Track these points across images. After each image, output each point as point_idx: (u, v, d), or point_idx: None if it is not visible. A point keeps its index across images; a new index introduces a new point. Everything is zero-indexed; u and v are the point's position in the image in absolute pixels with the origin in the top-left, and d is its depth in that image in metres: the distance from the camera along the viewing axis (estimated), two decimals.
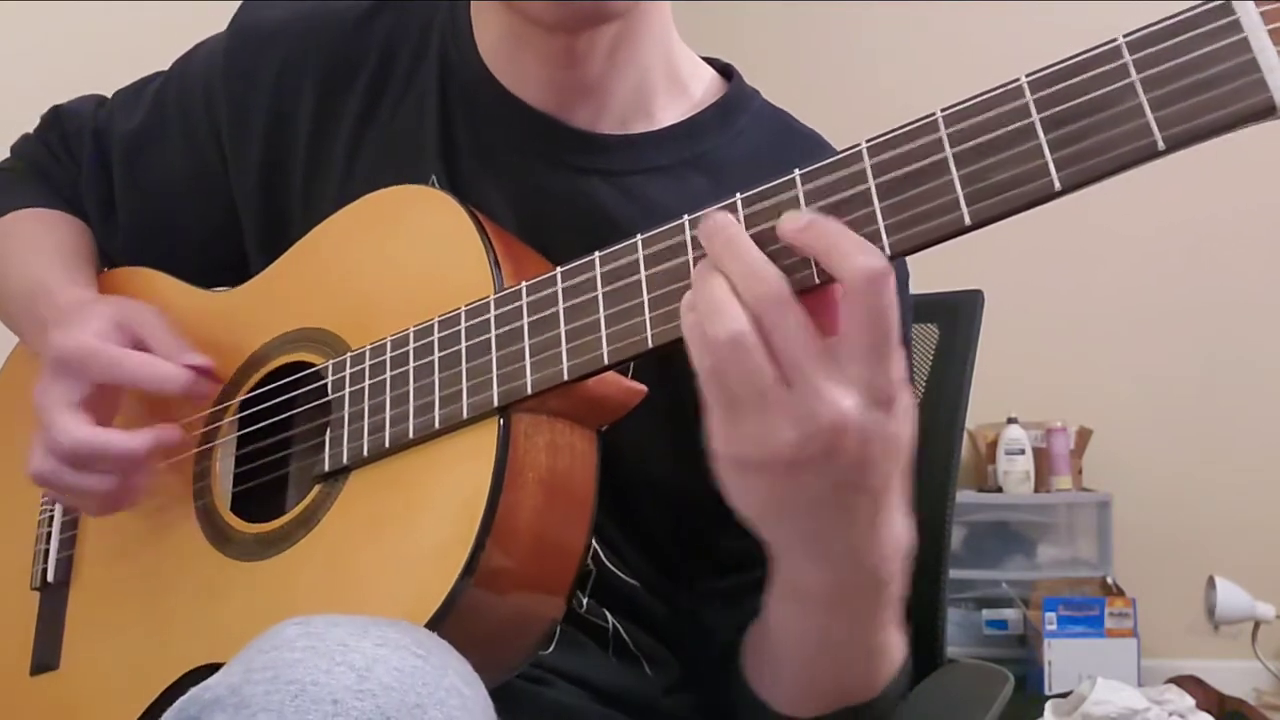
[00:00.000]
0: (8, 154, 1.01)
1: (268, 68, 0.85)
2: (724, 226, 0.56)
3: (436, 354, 0.67)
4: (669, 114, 0.81)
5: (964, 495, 2.82)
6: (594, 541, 0.77)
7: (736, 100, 0.83)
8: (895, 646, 0.69)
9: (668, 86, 0.82)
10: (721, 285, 0.54)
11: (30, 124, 1.01)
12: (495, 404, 0.63)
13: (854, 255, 0.52)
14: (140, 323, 0.77)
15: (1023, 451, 2.87)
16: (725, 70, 0.87)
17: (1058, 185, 0.50)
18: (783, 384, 0.53)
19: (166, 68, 0.95)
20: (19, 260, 0.89)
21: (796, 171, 0.56)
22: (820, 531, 0.58)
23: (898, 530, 0.60)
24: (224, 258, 0.89)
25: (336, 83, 0.84)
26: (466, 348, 0.65)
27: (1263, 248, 2.87)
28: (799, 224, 0.54)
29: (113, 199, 0.94)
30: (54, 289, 0.84)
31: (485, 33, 0.81)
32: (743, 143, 0.81)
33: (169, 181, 0.91)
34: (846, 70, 3.04)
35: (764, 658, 0.72)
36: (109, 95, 0.99)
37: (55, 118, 0.99)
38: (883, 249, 0.53)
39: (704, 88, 0.84)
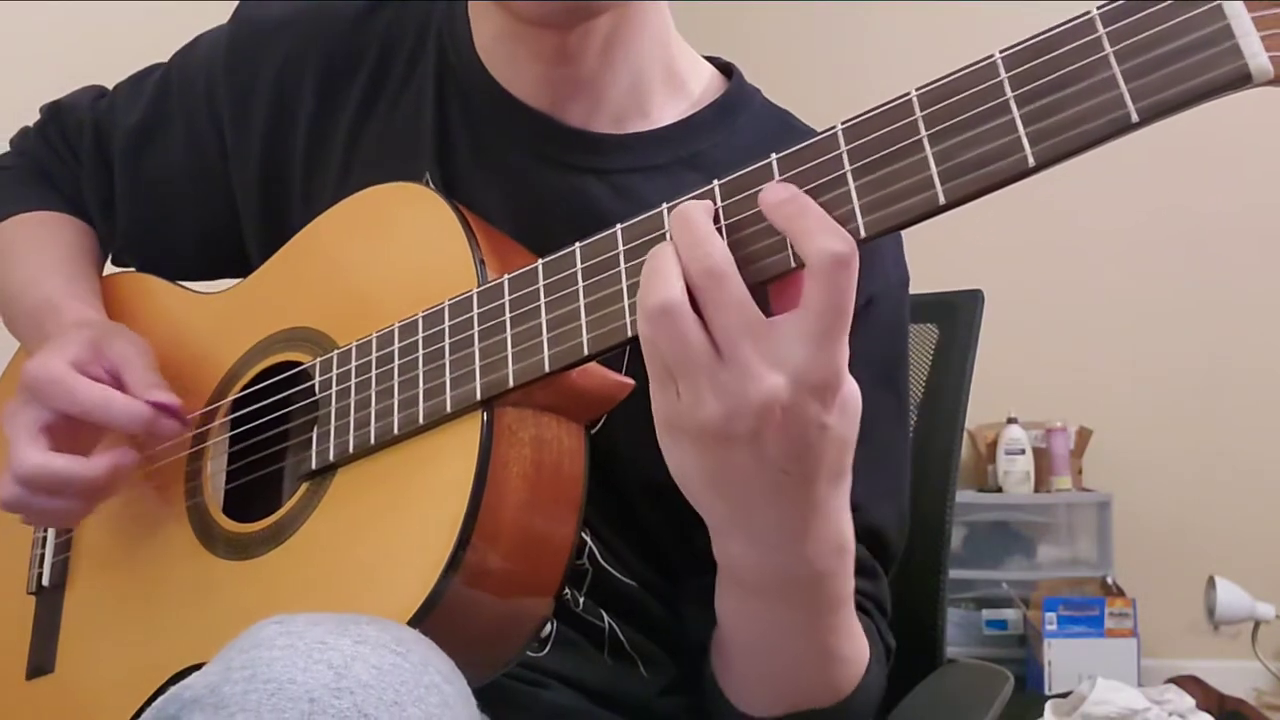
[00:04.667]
0: (7, 147, 1.01)
1: (269, 63, 0.86)
2: (688, 204, 0.56)
3: (421, 350, 0.66)
4: (667, 112, 0.81)
5: (964, 495, 2.82)
6: (590, 541, 0.76)
7: (736, 99, 0.83)
8: (854, 657, 0.69)
9: (665, 85, 0.82)
10: (668, 253, 0.55)
11: (29, 117, 1.00)
12: (479, 397, 0.63)
13: (819, 235, 0.52)
14: (118, 353, 0.76)
15: (1023, 451, 2.87)
16: (726, 68, 0.86)
17: (1031, 161, 0.49)
18: (715, 357, 0.53)
19: (165, 60, 0.95)
20: (25, 270, 0.89)
21: (773, 156, 0.56)
22: (748, 509, 0.58)
23: (834, 525, 0.60)
24: (225, 253, 0.89)
25: (336, 79, 0.84)
26: (450, 343, 0.65)
27: (1263, 247, 2.87)
28: (779, 197, 0.54)
29: (113, 195, 0.94)
30: (60, 305, 0.84)
31: (482, 31, 0.81)
32: (740, 141, 0.81)
33: (170, 176, 0.91)
34: (847, 68, 3.04)
35: (720, 650, 0.72)
36: (107, 87, 0.98)
37: (54, 112, 0.98)
38: (857, 229, 0.53)
39: (704, 86, 0.84)
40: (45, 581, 0.83)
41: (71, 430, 0.75)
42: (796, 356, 0.52)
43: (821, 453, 0.55)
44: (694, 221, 0.55)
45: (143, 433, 0.74)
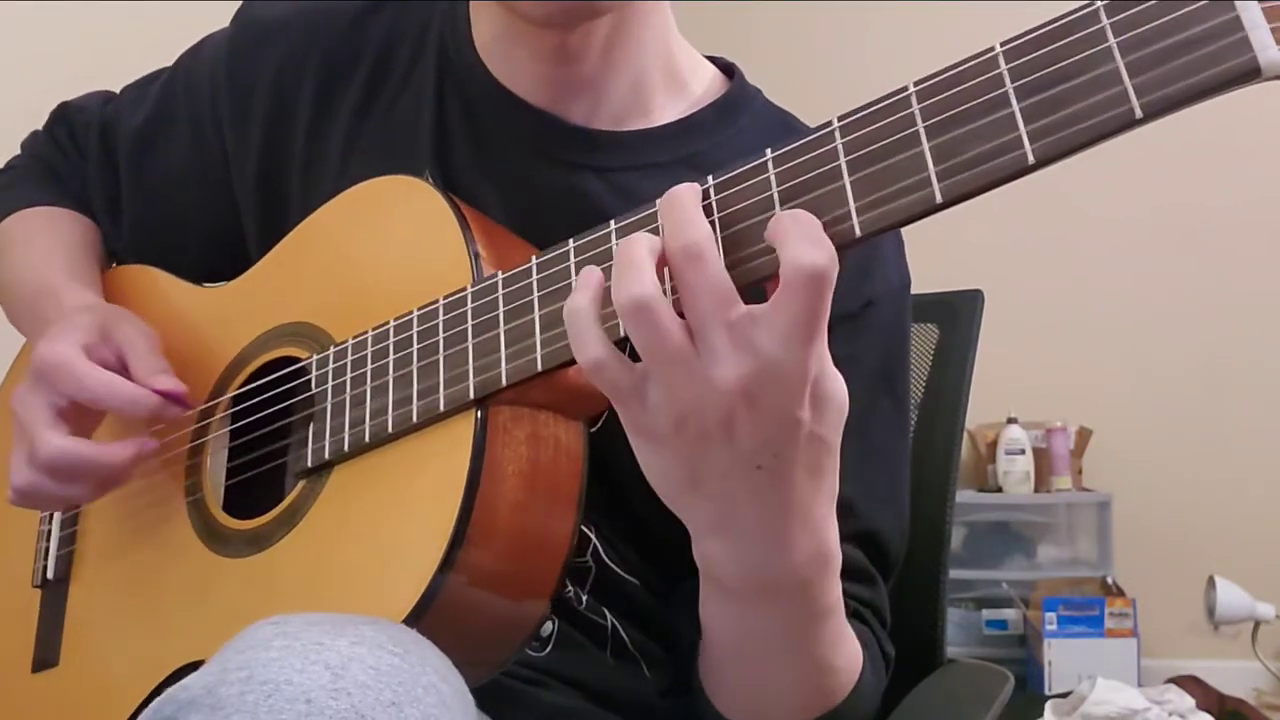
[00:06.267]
0: (18, 150, 1.02)
1: (269, 62, 0.86)
2: (679, 186, 0.54)
3: (415, 346, 0.66)
4: (667, 112, 0.81)
5: (964, 495, 2.82)
6: (593, 538, 0.76)
7: (737, 99, 0.83)
8: (846, 667, 0.68)
9: (666, 84, 0.82)
10: (640, 244, 0.53)
11: (30, 117, 1.01)
12: (472, 396, 0.62)
13: (795, 243, 0.50)
14: (124, 338, 0.77)
15: (1023, 451, 2.87)
16: (728, 69, 0.86)
17: (1031, 158, 0.47)
18: (689, 345, 0.52)
19: (171, 64, 0.95)
20: (26, 260, 0.90)
21: (768, 152, 0.54)
22: (729, 507, 0.57)
23: (815, 530, 0.59)
24: (228, 254, 0.89)
25: (335, 78, 0.84)
26: (444, 339, 0.65)
27: (1263, 247, 2.87)
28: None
29: (119, 194, 0.95)
30: (59, 291, 0.84)
31: (482, 30, 0.81)
32: (740, 142, 0.80)
33: (174, 176, 0.92)
34: (848, 69, 3.03)
35: (706, 658, 0.71)
36: (116, 91, 0.99)
37: (63, 113, 1.00)
38: (853, 228, 0.51)
39: (705, 86, 0.84)
40: (50, 574, 0.83)
41: (79, 414, 0.75)
42: (766, 348, 0.51)
43: (796, 449, 0.54)
44: (682, 202, 0.53)
45: (148, 419, 0.75)
